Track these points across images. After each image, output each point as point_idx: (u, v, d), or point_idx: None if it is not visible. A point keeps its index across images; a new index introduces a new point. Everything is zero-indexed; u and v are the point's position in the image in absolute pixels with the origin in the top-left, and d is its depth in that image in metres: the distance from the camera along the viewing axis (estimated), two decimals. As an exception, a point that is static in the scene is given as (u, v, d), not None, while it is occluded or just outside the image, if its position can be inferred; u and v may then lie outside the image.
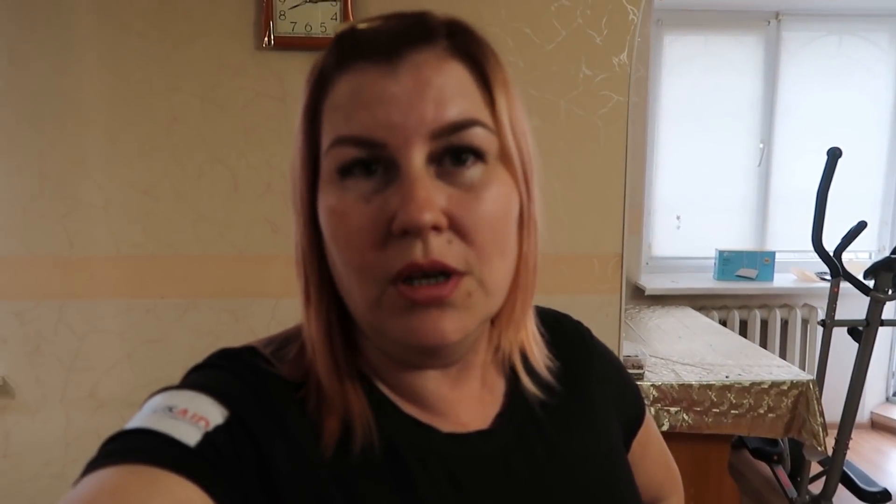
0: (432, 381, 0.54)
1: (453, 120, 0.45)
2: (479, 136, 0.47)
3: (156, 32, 1.66)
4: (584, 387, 0.64)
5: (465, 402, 0.55)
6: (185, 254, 1.74)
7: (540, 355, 0.60)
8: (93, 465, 0.42)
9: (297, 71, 1.70)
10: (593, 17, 1.73)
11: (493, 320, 0.55)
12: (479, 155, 0.47)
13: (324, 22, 1.70)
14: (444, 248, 0.45)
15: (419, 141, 0.45)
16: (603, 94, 1.74)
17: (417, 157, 0.45)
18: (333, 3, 1.69)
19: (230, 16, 1.68)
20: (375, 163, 0.46)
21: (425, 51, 0.46)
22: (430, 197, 0.44)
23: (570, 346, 0.66)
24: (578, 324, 0.70)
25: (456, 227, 0.45)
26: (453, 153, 0.46)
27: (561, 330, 0.67)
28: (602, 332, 1.85)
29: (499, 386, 0.59)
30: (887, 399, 3.63)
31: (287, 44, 1.69)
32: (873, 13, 3.30)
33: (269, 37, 1.67)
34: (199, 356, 0.54)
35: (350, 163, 0.46)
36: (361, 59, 0.46)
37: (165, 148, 1.70)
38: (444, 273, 0.45)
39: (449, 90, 0.46)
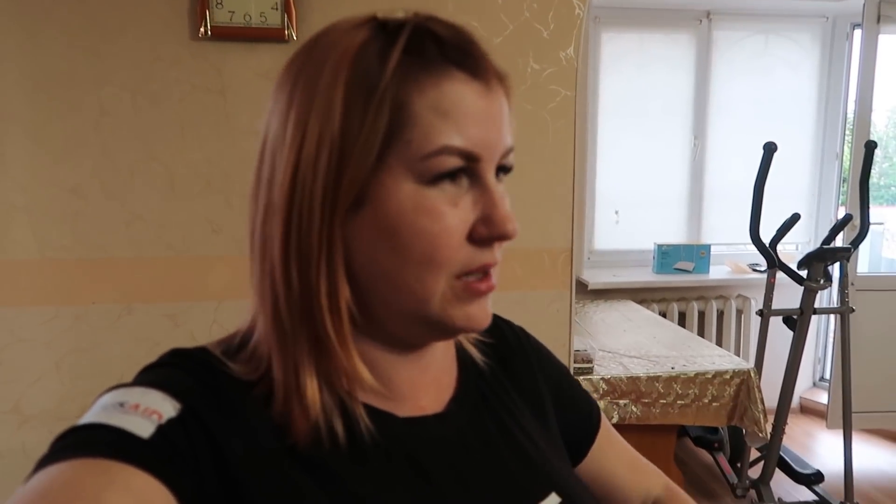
0: (410, 366, 0.57)
1: (511, 144, 0.53)
2: (513, 158, 0.55)
3: (81, 21, 1.55)
4: (523, 381, 0.67)
5: (428, 386, 0.59)
6: (118, 256, 1.64)
7: (473, 349, 0.65)
8: (44, 462, 0.42)
9: (236, 62, 1.63)
10: (540, 11, 1.72)
11: None
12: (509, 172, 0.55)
13: (263, 12, 1.63)
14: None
15: (497, 159, 0.52)
16: (551, 89, 1.74)
17: (493, 172, 0.52)
18: (274, -7, 1.62)
19: (162, 4, 1.58)
20: (461, 171, 0.50)
21: (495, 76, 0.52)
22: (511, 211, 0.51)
23: (509, 348, 0.69)
24: (518, 327, 0.74)
25: None
26: (502, 170, 0.54)
27: (500, 333, 0.70)
28: (553, 327, 1.85)
29: (453, 370, 0.62)
30: (814, 384, 3.79)
31: (225, 34, 1.61)
32: (797, 14, 3.44)
33: (206, 27, 1.59)
34: (135, 364, 0.52)
35: (449, 171, 0.49)
36: (458, 69, 0.49)
37: (94, 145, 1.59)
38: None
39: (508, 116, 0.53)
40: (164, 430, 0.44)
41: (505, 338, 0.70)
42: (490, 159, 0.51)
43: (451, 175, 0.49)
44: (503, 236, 0.51)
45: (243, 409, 0.49)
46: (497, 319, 0.71)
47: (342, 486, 0.49)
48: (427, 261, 0.49)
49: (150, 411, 0.45)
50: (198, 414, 0.47)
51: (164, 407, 0.46)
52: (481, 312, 0.53)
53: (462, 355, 0.64)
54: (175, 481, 0.43)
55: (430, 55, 0.49)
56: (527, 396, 0.66)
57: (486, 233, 0.50)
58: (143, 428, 0.44)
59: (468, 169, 0.50)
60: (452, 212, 0.49)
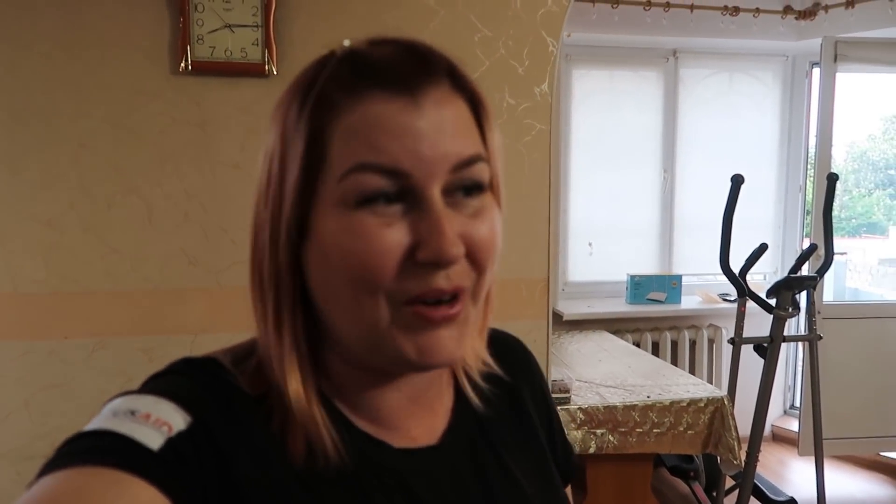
0: (395, 395, 0.55)
1: (468, 155, 0.49)
2: (483, 171, 0.50)
3: (62, 54, 1.56)
4: (526, 408, 0.66)
5: (419, 416, 0.57)
6: (93, 289, 1.62)
7: (478, 368, 0.62)
8: (51, 466, 0.41)
9: (216, 96, 1.64)
10: (515, 48, 1.77)
11: None
12: (482, 187, 0.50)
13: (244, 47, 1.66)
14: (460, 273, 0.49)
15: (441, 175, 0.47)
16: (526, 123, 1.78)
17: (437, 190, 0.47)
18: (254, 30, 1.66)
19: (144, 39, 1.60)
20: (396, 192, 0.47)
21: (440, 86, 0.49)
22: (455, 231, 0.47)
23: (519, 368, 0.68)
24: (526, 348, 0.72)
25: (466, 252, 0.49)
26: (465, 186, 0.49)
27: (511, 350, 0.69)
28: (531, 357, 1.87)
29: (448, 399, 0.61)
30: (785, 412, 3.85)
31: (206, 69, 1.63)
32: (759, 53, 3.58)
33: (187, 61, 1.61)
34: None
35: (375, 193, 0.47)
36: (378, 88, 0.48)
37: (72, 177, 1.59)
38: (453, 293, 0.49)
39: (461, 127, 0.49)
40: (173, 442, 0.44)
41: (516, 359, 0.68)
42: (428, 175, 0.47)
43: (386, 197, 0.47)
44: (435, 262, 0.46)
45: (250, 426, 0.49)
46: (508, 337, 0.71)
47: None
48: (359, 281, 0.47)
49: (160, 422, 0.44)
50: (207, 428, 0.46)
51: (175, 419, 0.45)
52: (435, 344, 0.48)
53: (461, 380, 0.62)
54: (180, 497, 0.42)
55: (347, 79, 0.48)
56: (526, 429, 0.65)
57: (421, 257, 0.46)
58: (153, 439, 0.43)
59: (403, 189, 0.47)
60: (384, 232, 0.47)
